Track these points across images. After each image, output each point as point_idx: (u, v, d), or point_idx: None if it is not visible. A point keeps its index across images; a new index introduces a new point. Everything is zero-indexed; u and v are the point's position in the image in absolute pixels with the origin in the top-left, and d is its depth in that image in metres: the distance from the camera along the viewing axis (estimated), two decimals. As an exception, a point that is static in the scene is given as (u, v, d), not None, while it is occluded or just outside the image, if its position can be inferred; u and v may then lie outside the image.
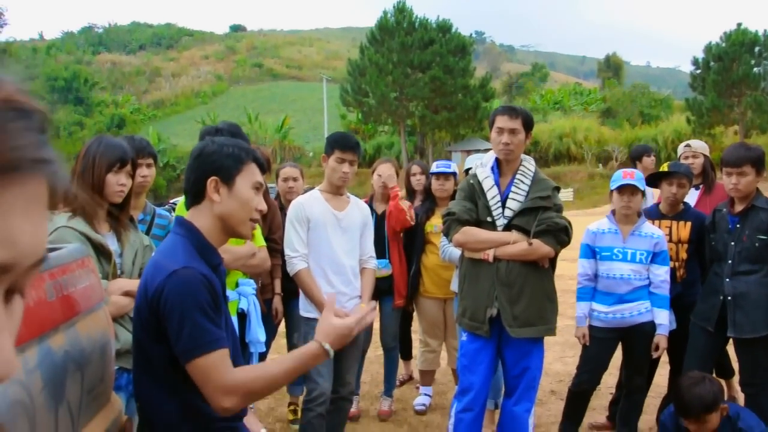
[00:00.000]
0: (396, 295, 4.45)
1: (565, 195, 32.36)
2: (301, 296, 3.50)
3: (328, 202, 3.51)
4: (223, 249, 2.30)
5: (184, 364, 1.74)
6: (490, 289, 3.26)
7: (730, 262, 3.58)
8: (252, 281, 3.31)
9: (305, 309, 3.48)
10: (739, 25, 38.13)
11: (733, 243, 3.58)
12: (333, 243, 3.46)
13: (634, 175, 3.74)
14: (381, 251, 4.23)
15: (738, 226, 3.58)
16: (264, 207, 1.97)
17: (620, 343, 3.86)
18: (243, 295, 3.19)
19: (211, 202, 1.88)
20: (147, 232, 3.03)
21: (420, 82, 39.15)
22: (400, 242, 4.52)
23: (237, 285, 3.21)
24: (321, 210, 3.48)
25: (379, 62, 39.62)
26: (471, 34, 54.57)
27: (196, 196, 1.92)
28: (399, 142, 42.02)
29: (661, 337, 3.71)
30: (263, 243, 3.32)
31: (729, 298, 3.55)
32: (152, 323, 1.78)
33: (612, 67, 74.06)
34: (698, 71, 39.24)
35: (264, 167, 2.02)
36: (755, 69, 36.89)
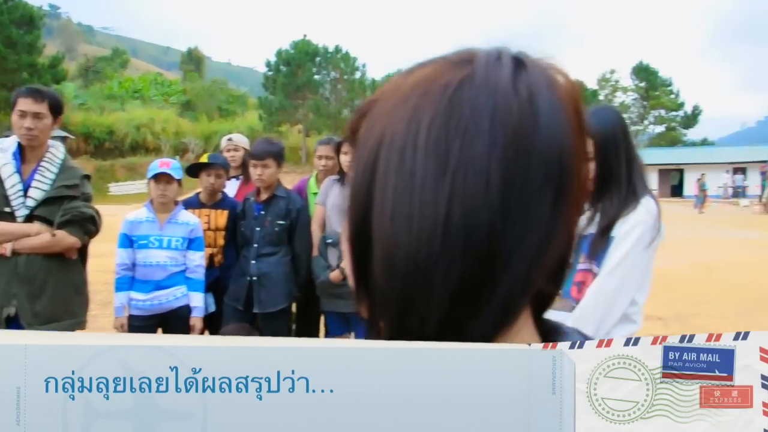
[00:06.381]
0: None
1: (141, 186, 31.73)
2: None
3: None
4: None
5: None
6: (7, 286, 3.01)
7: (255, 245, 4.00)
8: None
9: None
10: (304, 36, 42.87)
11: (258, 228, 4.00)
12: None
13: (170, 165, 3.87)
14: None
15: (262, 212, 4.02)
16: None
17: (161, 329, 3.96)
18: None
19: None
20: None
21: (-29, 53, 33.84)
22: None
23: None
24: None
25: None
26: (42, 6, 49.18)
27: None
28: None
29: (196, 319, 3.91)
30: None
31: (255, 278, 3.95)
32: None
33: (194, 60, 75.31)
34: (270, 73, 42.75)
35: None
36: (316, 76, 41.92)
